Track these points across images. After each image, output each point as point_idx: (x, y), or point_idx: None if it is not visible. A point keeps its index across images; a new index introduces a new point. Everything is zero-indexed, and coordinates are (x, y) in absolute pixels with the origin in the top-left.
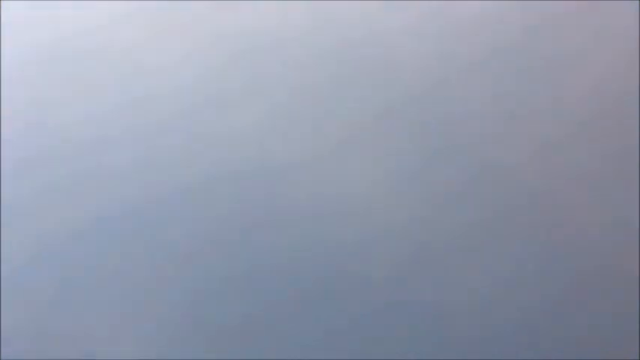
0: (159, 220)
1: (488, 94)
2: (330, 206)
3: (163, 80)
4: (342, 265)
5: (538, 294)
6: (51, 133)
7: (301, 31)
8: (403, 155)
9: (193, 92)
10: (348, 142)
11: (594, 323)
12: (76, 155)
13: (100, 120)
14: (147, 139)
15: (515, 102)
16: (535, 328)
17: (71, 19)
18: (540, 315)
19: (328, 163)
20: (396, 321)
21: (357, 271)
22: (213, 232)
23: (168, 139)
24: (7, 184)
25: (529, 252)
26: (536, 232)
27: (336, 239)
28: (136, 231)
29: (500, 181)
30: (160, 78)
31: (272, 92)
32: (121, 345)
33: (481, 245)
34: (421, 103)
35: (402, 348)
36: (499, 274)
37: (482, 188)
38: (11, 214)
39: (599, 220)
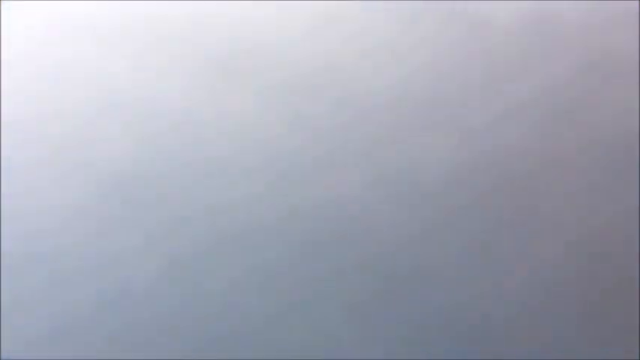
0: None
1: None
2: None
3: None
4: None
5: (538, 294)
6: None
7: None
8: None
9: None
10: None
11: (594, 323)
12: None
13: None
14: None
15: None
16: (535, 328)
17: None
18: (540, 315)
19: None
20: None
21: None
22: None
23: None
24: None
25: (528, 252)
26: (535, 233)
27: None
28: None
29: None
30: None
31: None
32: None
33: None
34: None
35: None
36: (498, 279)
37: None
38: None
39: (599, 221)
